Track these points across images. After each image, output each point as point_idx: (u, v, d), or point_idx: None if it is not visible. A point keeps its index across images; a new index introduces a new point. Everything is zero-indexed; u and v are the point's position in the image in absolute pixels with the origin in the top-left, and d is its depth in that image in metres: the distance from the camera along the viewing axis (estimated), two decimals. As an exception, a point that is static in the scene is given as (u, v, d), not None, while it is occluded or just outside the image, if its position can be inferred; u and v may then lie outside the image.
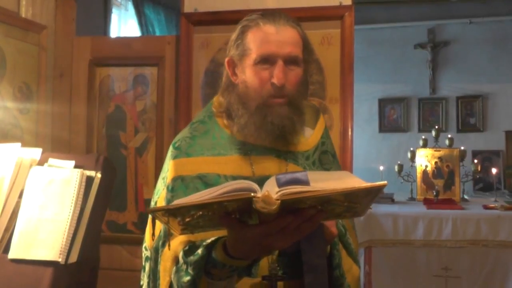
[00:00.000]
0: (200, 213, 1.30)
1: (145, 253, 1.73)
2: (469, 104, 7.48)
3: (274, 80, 1.58)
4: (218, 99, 1.79)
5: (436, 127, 6.24)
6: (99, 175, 2.35)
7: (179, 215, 1.31)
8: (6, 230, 2.28)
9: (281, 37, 1.60)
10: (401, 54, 7.62)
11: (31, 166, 2.37)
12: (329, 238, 1.57)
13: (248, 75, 1.63)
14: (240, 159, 1.68)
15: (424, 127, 7.50)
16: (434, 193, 5.45)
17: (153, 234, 1.50)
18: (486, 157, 7.16)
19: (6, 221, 2.29)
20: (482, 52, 7.33)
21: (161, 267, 1.62)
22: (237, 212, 1.32)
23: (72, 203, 2.25)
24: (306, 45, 1.68)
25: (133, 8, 5.30)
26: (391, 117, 7.73)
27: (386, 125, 7.75)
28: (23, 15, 3.24)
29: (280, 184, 1.28)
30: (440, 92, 7.58)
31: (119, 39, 4.36)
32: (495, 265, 4.65)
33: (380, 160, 6.80)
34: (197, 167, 1.65)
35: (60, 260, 2.16)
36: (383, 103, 7.75)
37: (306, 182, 1.27)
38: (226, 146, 1.70)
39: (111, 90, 3.36)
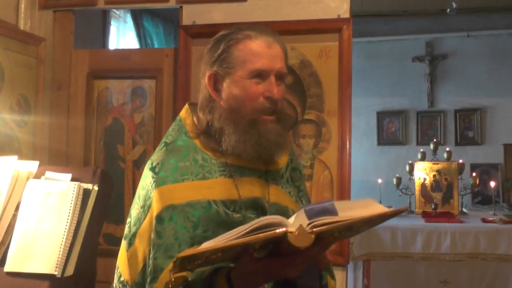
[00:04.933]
0: (225, 252, 1.30)
1: None
2: (467, 118, 7.48)
3: (271, 95, 1.55)
4: (189, 116, 1.71)
5: (435, 140, 6.25)
6: (96, 188, 2.34)
7: (197, 259, 1.30)
8: (2, 243, 2.27)
9: (273, 52, 1.58)
10: (399, 67, 7.64)
11: (28, 179, 2.37)
12: (326, 266, 1.58)
13: (239, 89, 1.58)
14: (225, 181, 1.60)
15: (422, 140, 7.50)
16: (433, 206, 5.45)
17: (141, 271, 1.51)
18: (485, 170, 7.16)
19: (2, 234, 2.28)
20: (480, 65, 7.34)
21: None
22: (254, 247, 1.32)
23: (68, 216, 2.24)
24: (286, 61, 1.66)
25: (132, 20, 5.30)
26: (390, 130, 7.73)
27: (385, 138, 7.75)
28: (22, 28, 3.25)
29: (310, 216, 1.27)
30: (438, 105, 7.59)
31: (117, 52, 4.36)
32: (494, 278, 4.65)
33: (379, 173, 6.79)
34: (185, 194, 1.55)
35: (56, 273, 2.15)
36: (382, 116, 7.76)
37: (334, 212, 1.28)
38: (209, 168, 1.61)
39: (109, 103, 3.36)
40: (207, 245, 1.27)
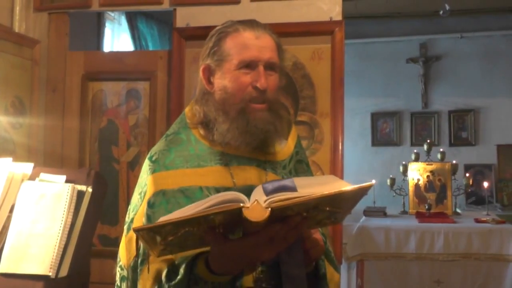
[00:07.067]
0: (186, 229, 1.27)
1: (121, 272, 1.67)
2: (461, 118, 7.49)
3: (258, 84, 1.58)
4: (191, 109, 1.75)
5: (428, 141, 6.25)
6: (90, 189, 2.35)
7: (163, 234, 1.28)
8: (-4, 244, 2.28)
9: (261, 43, 1.62)
10: (393, 68, 7.65)
11: (22, 180, 2.38)
12: (319, 254, 1.56)
13: (228, 80, 1.62)
14: (220, 169, 1.64)
15: (416, 141, 7.51)
16: (426, 207, 5.47)
17: (136, 256, 1.49)
18: (478, 171, 7.17)
19: (-4, 236, 2.29)
20: (473, 66, 7.36)
21: (140, 287, 1.55)
22: (221, 227, 1.30)
23: (63, 217, 2.26)
24: (280, 53, 1.69)
25: (127, 22, 5.29)
26: (384, 131, 7.74)
27: (379, 139, 7.76)
28: (16, 30, 3.26)
29: (268, 192, 1.27)
30: (432, 106, 7.60)
31: (112, 54, 4.37)
32: (487, 278, 4.66)
33: (373, 173, 6.78)
34: (178, 180, 1.60)
35: (50, 274, 2.16)
36: (376, 117, 7.76)
37: (293, 189, 1.28)
38: (205, 158, 1.65)
39: (103, 105, 3.37)
40: (163, 219, 1.28)
